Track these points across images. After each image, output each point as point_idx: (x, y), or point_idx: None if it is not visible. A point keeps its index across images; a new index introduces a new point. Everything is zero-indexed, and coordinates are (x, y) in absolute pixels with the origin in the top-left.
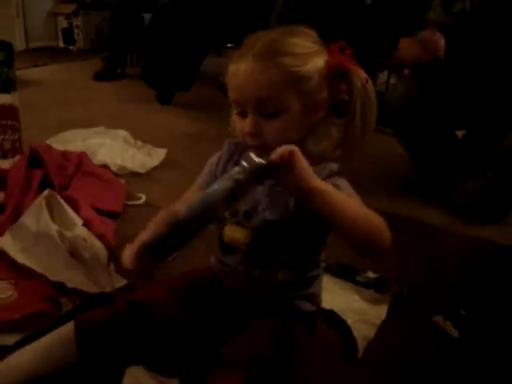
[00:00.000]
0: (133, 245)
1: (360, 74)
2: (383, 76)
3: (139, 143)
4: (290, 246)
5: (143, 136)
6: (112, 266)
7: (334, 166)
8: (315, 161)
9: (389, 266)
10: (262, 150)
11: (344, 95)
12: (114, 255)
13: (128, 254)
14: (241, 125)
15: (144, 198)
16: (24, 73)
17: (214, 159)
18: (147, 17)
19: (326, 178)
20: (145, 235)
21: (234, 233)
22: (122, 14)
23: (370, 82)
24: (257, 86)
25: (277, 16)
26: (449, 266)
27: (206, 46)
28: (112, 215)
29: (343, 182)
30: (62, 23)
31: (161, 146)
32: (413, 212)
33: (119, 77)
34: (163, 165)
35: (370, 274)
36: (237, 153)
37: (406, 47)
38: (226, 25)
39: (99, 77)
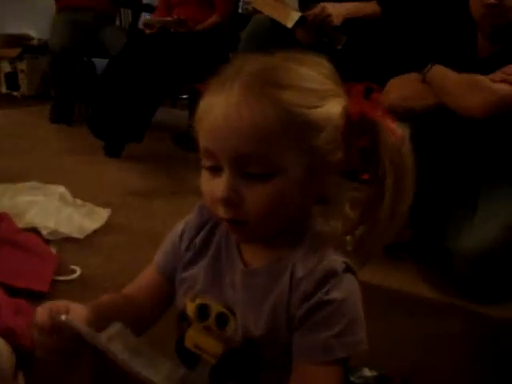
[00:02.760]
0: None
1: (394, 131)
2: None
3: (78, 201)
4: (280, 363)
5: (84, 193)
6: (21, 378)
7: (337, 262)
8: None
9: (383, 359)
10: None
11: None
12: (27, 360)
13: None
14: (210, 186)
15: (79, 271)
16: None
17: (177, 230)
18: (100, 63)
19: (313, 288)
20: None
21: (201, 339)
22: (63, 60)
23: (406, 142)
24: (241, 131)
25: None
26: (452, 349)
27: (160, 95)
28: (35, 295)
29: (342, 289)
30: (6, 67)
31: (105, 205)
32: (403, 284)
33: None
34: (106, 228)
35: (367, 372)
36: (210, 223)
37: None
38: (181, 74)
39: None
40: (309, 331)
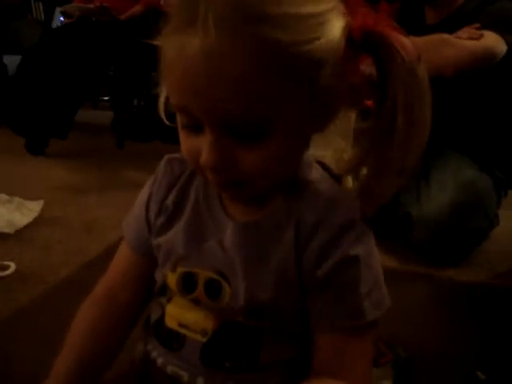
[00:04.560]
0: None
1: (406, 46)
2: None
3: (4, 196)
4: (283, 335)
5: (10, 189)
6: None
7: (354, 209)
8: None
9: None
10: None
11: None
12: None
13: None
14: (191, 144)
15: (13, 266)
16: None
17: (142, 196)
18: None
19: (332, 241)
20: None
21: (185, 314)
22: None
23: (422, 63)
24: (227, 84)
25: None
26: (428, 313)
27: (82, 87)
28: None
29: (364, 242)
30: None
31: (34, 199)
32: None
33: None
34: (38, 221)
35: None
36: (183, 177)
37: None
38: (103, 65)
39: None
40: (335, 293)
